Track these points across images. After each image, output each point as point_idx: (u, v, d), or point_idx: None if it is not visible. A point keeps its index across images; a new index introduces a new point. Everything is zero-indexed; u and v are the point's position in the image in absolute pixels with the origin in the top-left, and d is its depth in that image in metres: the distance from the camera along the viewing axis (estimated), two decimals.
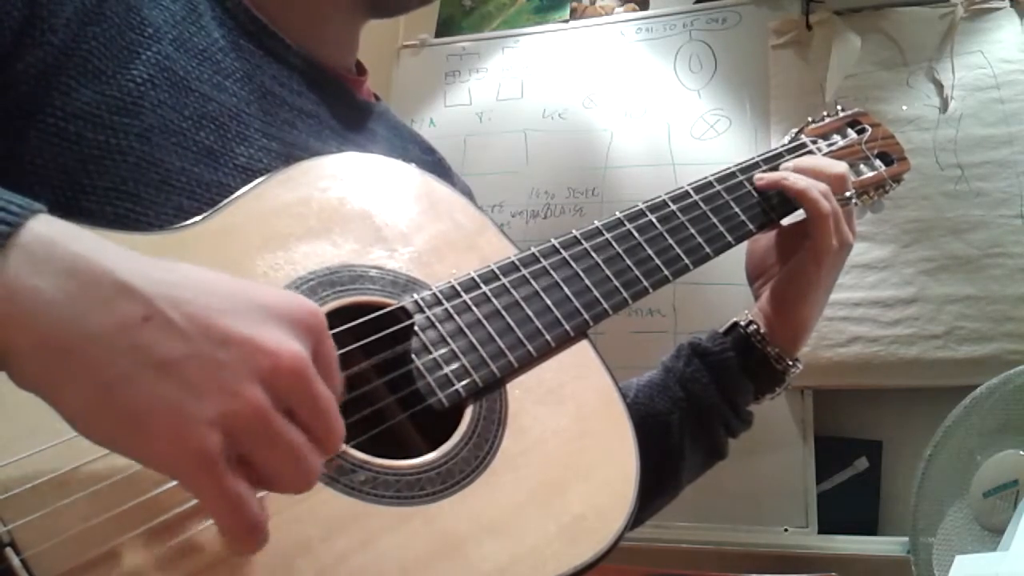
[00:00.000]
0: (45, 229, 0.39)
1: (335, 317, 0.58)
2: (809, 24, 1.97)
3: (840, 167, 0.84)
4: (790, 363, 0.84)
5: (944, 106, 1.81)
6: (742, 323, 0.84)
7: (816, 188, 0.81)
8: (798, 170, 0.83)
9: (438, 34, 2.41)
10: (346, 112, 0.76)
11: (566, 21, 2.29)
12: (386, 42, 2.35)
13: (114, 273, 0.39)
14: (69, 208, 0.55)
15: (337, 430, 0.44)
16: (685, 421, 0.82)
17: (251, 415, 0.40)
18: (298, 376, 0.41)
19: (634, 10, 2.24)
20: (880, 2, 1.93)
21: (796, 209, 0.84)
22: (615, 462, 0.61)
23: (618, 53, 2.17)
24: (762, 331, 0.83)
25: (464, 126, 2.24)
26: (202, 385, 0.39)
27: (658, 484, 0.83)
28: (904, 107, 1.81)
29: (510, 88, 2.25)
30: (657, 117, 2.08)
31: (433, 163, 0.85)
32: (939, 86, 1.84)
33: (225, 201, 0.59)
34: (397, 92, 2.32)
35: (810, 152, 0.88)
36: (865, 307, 1.77)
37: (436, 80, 2.33)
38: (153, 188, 0.58)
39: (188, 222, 0.57)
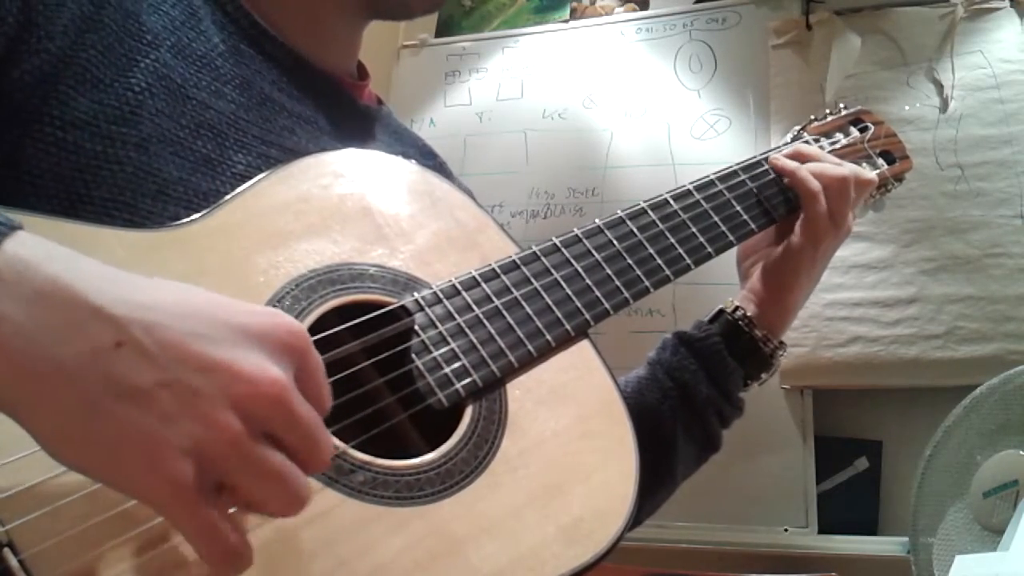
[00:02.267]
0: (18, 250, 0.39)
1: (335, 315, 0.58)
2: (809, 24, 1.97)
3: (847, 170, 0.84)
4: (776, 344, 0.84)
5: (944, 106, 1.81)
6: (728, 309, 0.85)
7: (804, 168, 0.82)
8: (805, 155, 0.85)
9: (438, 34, 2.41)
10: (346, 117, 0.76)
11: (566, 21, 2.29)
12: (386, 42, 2.34)
13: (87, 296, 0.39)
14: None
15: (322, 450, 0.43)
16: (677, 412, 0.82)
17: (225, 444, 0.39)
18: (276, 402, 0.40)
19: (634, 10, 2.24)
20: (880, 2, 1.93)
21: (796, 209, 0.84)
22: (615, 463, 0.61)
23: (618, 53, 2.17)
24: (749, 314, 0.84)
25: (464, 126, 2.24)
26: (174, 414, 0.38)
27: (653, 479, 0.82)
28: (907, 107, 1.81)
29: (510, 88, 2.25)
30: (657, 117, 2.08)
31: (434, 168, 0.84)
32: (939, 86, 1.84)
33: (226, 198, 0.59)
34: (397, 92, 2.32)
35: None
36: (865, 307, 1.77)
37: (436, 80, 2.33)
38: (150, 198, 0.57)
39: (187, 219, 0.57)
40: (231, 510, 0.42)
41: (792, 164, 0.83)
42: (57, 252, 0.40)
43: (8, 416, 0.39)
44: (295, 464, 0.42)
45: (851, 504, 1.76)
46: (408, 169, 0.70)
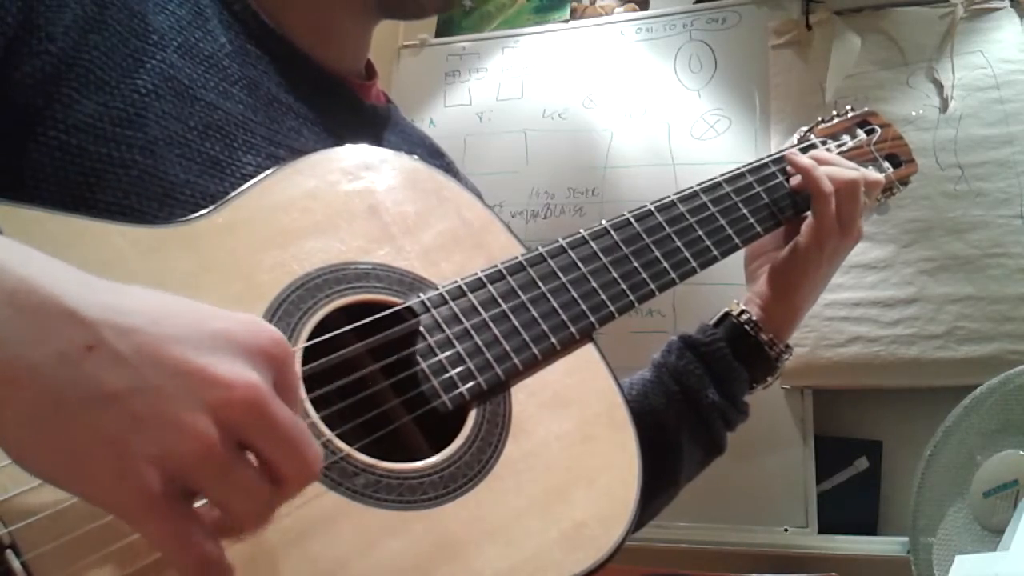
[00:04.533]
0: None
1: (341, 315, 0.58)
2: (809, 24, 1.97)
3: (857, 173, 0.84)
4: (782, 349, 0.84)
5: (944, 106, 1.82)
6: (733, 313, 0.84)
7: (820, 169, 0.81)
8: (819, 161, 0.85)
9: (438, 34, 2.40)
10: (353, 118, 0.75)
11: (566, 21, 2.29)
12: (386, 42, 2.34)
13: (59, 298, 0.37)
14: None
15: (309, 457, 0.41)
16: (681, 416, 0.81)
17: (197, 451, 0.38)
18: (252, 408, 0.39)
19: (634, 10, 2.24)
20: (880, 2, 1.93)
21: (803, 211, 0.84)
22: (618, 468, 0.60)
23: (618, 53, 2.17)
24: (754, 318, 0.83)
25: (464, 126, 2.24)
26: (146, 420, 0.37)
27: (657, 482, 0.82)
28: (914, 113, 1.81)
29: (510, 88, 2.25)
30: (657, 117, 2.08)
31: (441, 167, 0.84)
32: (939, 86, 1.84)
33: (232, 194, 0.59)
34: (397, 92, 2.31)
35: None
36: (865, 307, 1.77)
37: (436, 80, 2.33)
38: (156, 202, 0.56)
39: (194, 215, 0.56)
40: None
41: (809, 162, 0.82)
42: (33, 255, 0.39)
43: None
44: (279, 474, 0.41)
45: (851, 504, 1.76)
46: (415, 167, 0.69)
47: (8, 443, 0.38)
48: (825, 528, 1.73)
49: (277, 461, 0.40)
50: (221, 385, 0.39)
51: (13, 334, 0.36)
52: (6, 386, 0.36)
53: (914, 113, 1.82)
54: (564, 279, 0.67)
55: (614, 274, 0.70)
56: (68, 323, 0.37)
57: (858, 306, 1.78)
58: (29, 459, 0.38)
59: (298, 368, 0.44)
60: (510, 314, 0.63)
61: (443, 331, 0.60)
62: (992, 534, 1.23)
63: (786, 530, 1.74)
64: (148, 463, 0.37)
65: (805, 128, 0.92)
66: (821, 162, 0.84)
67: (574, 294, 0.67)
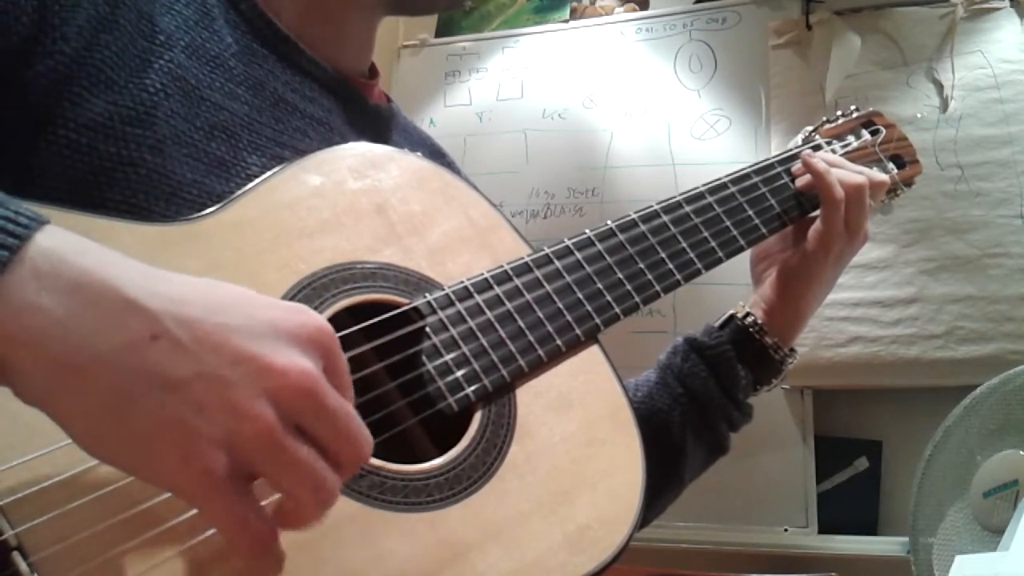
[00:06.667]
0: (51, 243, 0.39)
1: (347, 315, 0.58)
2: (809, 24, 1.97)
3: (863, 178, 0.84)
4: (787, 352, 0.84)
5: (944, 106, 1.82)
6: (739, 315, 0.85)
7: (833, 173, 0.81)
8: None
9: (438, 34, 2.40)
10: (357, 118, 0.75)
11: (566, 21, 2.29)
12: (386, 42, 2.34)
13: (121, 289, 0.39)
14: None
15: (361, 441, 0.43)
16: (686, 417, 0.82)
17: (258, 434, 0.39)
18: (308, 394, 0.41)
19: (634, 10, 2.24)
20: (880, 2, 1.93)
21: (808, 212, 0.84)
22: (622, 471, 0.60)
23: (618, 53, 2.17)
24: (759, 321, 0.84)
25: (464, 126, 2.24)
26: (209, 405, 0.39)
27: (661, 482, 0.83)
28: (918, 115, 1.81)
29: (510, 88, 2.25)
30: (657, 117, 2.08)
31: (443, 167, 0.84)
32: (939, 86, 1.84)
33: (239, 192, 0.59)
34: (397, 92, 2.31)
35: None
36: (865, 307, 1.77)
37: (436, 80, 2.33)
38: (163, 201, 0.57)
39: (200, 213, 0.57)
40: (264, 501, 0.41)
41: (824, 167, 0.82)
42: (88, 245, 0.40)
43: (40, 409, 0.39)
44: (331, 459, 0.42)
45: (851, 504, 1.76)
46: (421, 165, 0.69)
47: (75, 429, 0.39)
48: (825, 528, 1.73)
49: (331, 445, 0.42)
50: (277, 372, 0.40)
51: (80, 325, 0.38)
52: (74, 375, 0.38)
53: (918, 115, 1.82)
54: (570, 280, 0.67)
55: (620, 275, 0.70)
56: (131, 313, 0.39)
57: (858, 306, 1.78)
58: (96, 444, 0.39)
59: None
60: (516, 315, 0.63)
61: (449, 332, 0.60)
62: (992, 534, 1.23)
63: (786, 530, 1.74)
64: (213, 446, 0.39)
65: (810, 128, 0.92)
66: (829, 165, 0.84)
67: (580, 295, 0.67)
